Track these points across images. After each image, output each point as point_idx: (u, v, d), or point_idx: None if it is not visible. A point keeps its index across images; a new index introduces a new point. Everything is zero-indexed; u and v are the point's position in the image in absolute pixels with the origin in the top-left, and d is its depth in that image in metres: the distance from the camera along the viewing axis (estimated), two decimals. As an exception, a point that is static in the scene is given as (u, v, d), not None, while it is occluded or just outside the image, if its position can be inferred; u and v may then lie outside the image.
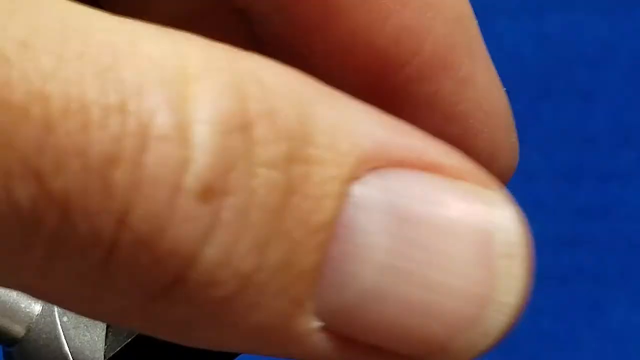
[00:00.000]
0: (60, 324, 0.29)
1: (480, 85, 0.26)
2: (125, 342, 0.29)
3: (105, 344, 0.29)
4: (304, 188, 0.20)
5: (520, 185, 0.96)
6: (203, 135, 0.19)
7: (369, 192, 0.21)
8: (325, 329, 0.21)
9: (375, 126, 0.22)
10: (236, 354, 0.28)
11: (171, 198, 0.19)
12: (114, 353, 0.29)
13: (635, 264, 0.83)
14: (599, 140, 0.88)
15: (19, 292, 0.29)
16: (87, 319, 0.29)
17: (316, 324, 0.21)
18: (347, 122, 0.21)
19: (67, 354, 0.29)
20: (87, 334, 0.29)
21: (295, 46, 0.26)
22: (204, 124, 0.19)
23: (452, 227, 0.22)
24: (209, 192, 0.19)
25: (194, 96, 0.19)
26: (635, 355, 0.80)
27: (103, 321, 0.29)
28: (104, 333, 0.29)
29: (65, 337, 0.29)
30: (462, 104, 0.26)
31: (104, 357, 0.29)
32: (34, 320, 0.29)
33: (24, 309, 0.30)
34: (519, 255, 0.22)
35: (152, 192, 0.19)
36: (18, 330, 0.29)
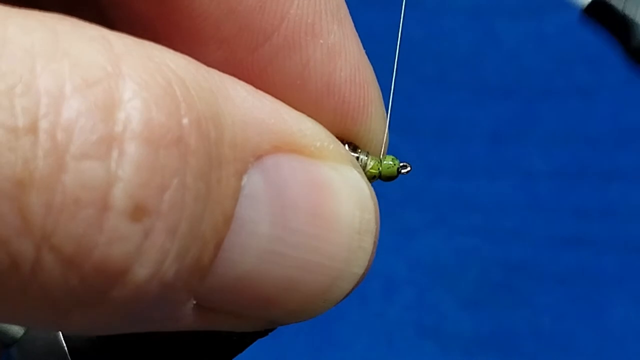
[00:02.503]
0: (59, 324, 0.29)
1: (350, 54, 0.26)
2: (124, 342, 0.29)
3: (104, 344, 0.29)
4: (217, 192, 0.20)
5: (520, 185, 0.96)
6: (132, 151, 0.18)
7: (254, 182, 0.21)
8: (196, 304, 0.22)
9: (263, 113, 0.22)
10: (233, 353, 0.28)
11: (99, 218, 0.18)
12: (112, 353, 0.29)
13: (635, 264, 0.83)
14: (599, 140, 0.88)
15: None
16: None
17: (193, 302, 0.21)
18: (243, 114, 0.21)
19: (66, 354, 0.29)
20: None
21: (155, 25, 0.24)
22: (133, 140, 0.18)
23: (323, 212, 0.23)
24: (140, 211, 0.18)
25: (121, 104, 0.18)
26: (635, 355, 0.80)
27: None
28: (102, 333, 0.29)
29: (63, 336, 0.29)
30: (335, 74, 0.26)
31: (102, 357, 0.29)
32: (32, 320, 0.29)
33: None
34: (372, 231, 0.24)
35: (75, 213, 0.18)
36: (16, 330, 0.29)
